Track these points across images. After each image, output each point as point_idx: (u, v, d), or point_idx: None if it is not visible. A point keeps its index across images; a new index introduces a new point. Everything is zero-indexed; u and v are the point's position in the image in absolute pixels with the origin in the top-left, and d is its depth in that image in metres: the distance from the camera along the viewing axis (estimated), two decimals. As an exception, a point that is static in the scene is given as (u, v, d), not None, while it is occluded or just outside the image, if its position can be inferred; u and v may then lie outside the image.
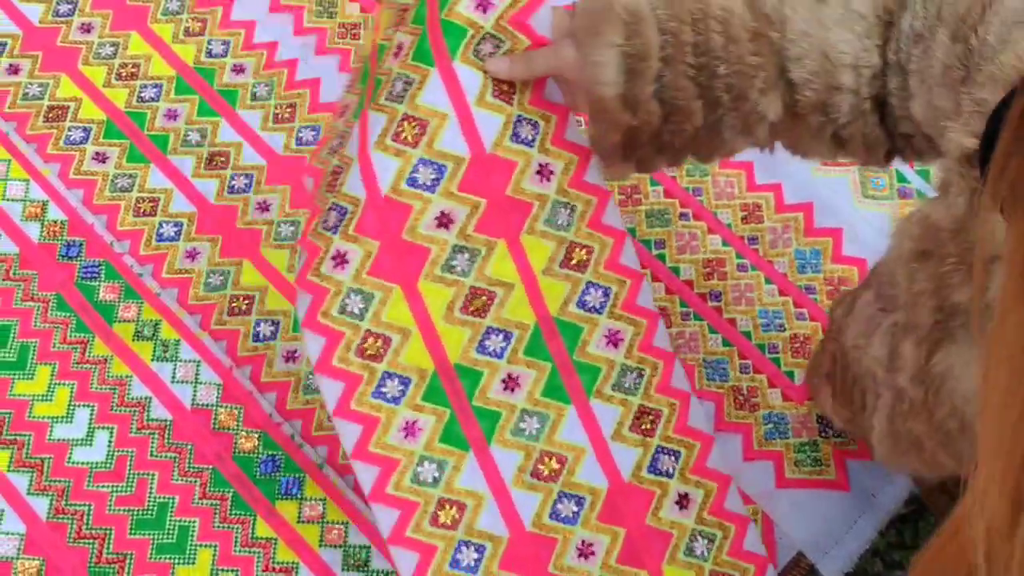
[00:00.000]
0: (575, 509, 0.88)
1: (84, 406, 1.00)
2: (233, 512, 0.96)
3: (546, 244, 0.85)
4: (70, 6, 1.22)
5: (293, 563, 0.95)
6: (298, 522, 0.96)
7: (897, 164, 0.79)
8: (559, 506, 0.87)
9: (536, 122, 0.83)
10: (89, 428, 0.99)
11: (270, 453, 0.99)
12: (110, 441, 0.99)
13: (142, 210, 1.10)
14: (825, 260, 1.09)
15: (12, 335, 1.03)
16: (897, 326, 0.68)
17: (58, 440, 0.99)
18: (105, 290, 1.05)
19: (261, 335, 1.05)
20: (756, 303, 1.07)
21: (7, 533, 0.95)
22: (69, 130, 1.14)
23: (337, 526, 0.96)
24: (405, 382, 0.84)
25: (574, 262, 0.86)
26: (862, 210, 1.12)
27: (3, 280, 1.05)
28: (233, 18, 1.22)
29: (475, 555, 0.86)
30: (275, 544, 0.95)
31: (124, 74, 1.18)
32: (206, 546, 0.95)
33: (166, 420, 1.00)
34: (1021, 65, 0.53)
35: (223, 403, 1.01)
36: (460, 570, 0.86)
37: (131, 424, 1.00)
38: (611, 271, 0.87)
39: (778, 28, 0.70)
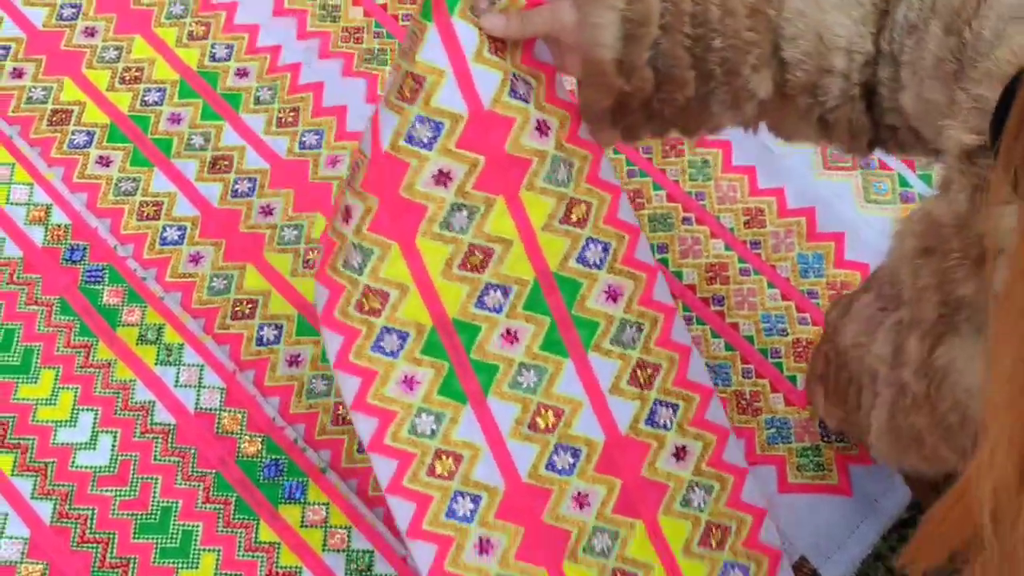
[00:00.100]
0: (571, 461, 0.88)
1: (88, 410, 1.01)
2: (236, 516, 0.97)
3: (545, 200, 0.84)
4: (74, 10, 1.22)
5: (296, 568, 0.95)
6: (301, 527, 0.97)
7: (880, 155, 0.79)
8: (555, 458, 0.88)
9: (529, 80, 0.83)
10: (93, 432, 1.00)
11: (273, 457, 0.99)
12: (113, 445, 0.99)
13: (146, 214, 1.11)
14: (828, 265, 1.09)
15: (16, 339, 1.03)
16: (902, 323, 0.68)
17: (62, 444, 0.99)
18: (109, 294, 1.06)
19: (265, 339, 1.05)
20: (759, 308, 1.08)
21: (11, 537, 0.95)
22: (73, 134, 1.14)
23: (340, 531, 0.96)
24: (403, 336, 0.85)
25: (574, 218, 0.86)
26: (865, 214, 1.12)
27: (7, 284, 1.06)
28: (236, 22, 1.22)
29: (471, 505, 0.87)
30: (278, 549, 0.96)
31: (128, 78, 1.18)
32: (209, 550, 0.95)
33: (169, 424, 1.00)
34: (1016, 60, 0.53)
35: (226, 407, 1.01)
36: (456, 519, 0.86)
37: (135, 428, 1.00)
38: (610, 226, 0.87)
39: (775, 6, 0.70)
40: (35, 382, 1.02)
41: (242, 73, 1.19)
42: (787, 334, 1.06)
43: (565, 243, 0.86)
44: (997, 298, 0.48)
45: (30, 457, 0.98)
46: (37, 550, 0.95)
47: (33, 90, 1.17)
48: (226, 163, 1.14)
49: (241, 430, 1.00)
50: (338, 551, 0.96)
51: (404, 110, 0.80)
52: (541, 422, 0.87)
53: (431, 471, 0.86)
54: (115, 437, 0.99)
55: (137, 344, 1.03)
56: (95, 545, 0.95)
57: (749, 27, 0.71)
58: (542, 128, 0.83)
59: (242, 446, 1.00)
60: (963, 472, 0.48)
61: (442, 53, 0.79)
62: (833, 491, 1.00)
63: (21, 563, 0.94)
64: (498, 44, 0.81)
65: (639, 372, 0.89)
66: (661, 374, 0.90)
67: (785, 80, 0.72)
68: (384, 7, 1.24)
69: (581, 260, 0.86)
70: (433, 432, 0.86)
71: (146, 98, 1.17)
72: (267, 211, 1.11)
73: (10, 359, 1.02)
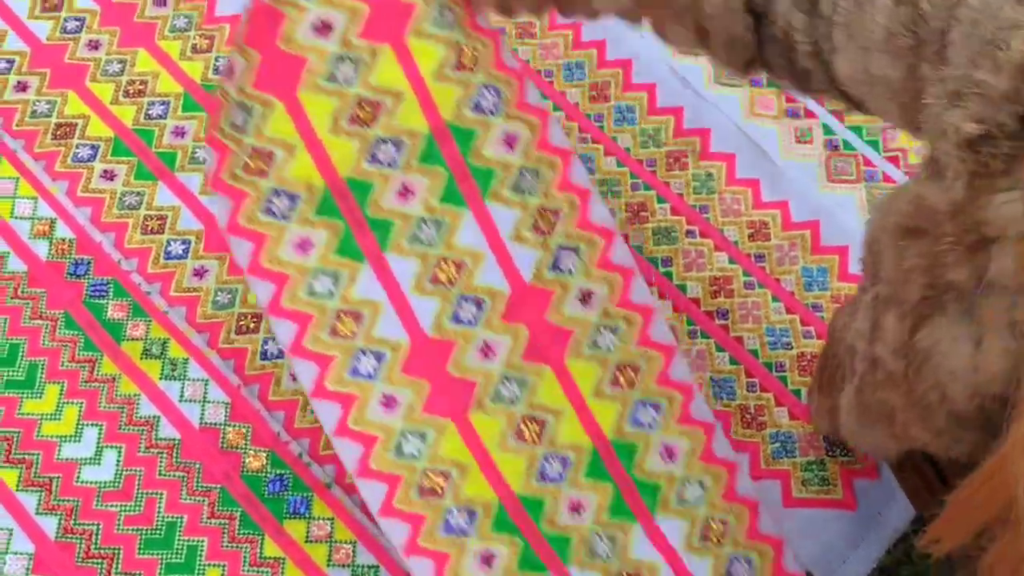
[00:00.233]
0: (475, 312, 0.88)
1: (92, 425, 1.01)
2: (242, 531, 0.97)
3: (434, 47, 0.83)
4: (78, 23, 1.22)
5: (301, 583, 0.95)
6: (306, 541, 0.97)
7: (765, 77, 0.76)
8: (459, 310, 0.87)
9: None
10: (97, 447, 1.00)
11: (278, 472, 0.99)
12: (118, 460, 0.99)
13: (150, 228, 1.11)
14: (832, 278, 1.09)
15: (21, 354, 1.03)
16: (879, 299, 0.68)
17: (66, 459, 0.99)
18: (113, 308, 1.06)
19: (269, 353, 1.05)
20: (763, 321, 1.08)
21: (16, 553, 0.95)
22: (77, 147, 1.15)
23: (345, 546, 0.97)
24: (293, 198, 0.84)
25: (466, 64, 0.84)
26: (869, 227, 1.12)
27: (11, 298, 1.06)
28: (240, 35, 1.22)
29: (374, 362, 0.86)
30: (283, 564, 0.96)
31: (132, 91, 1.18)
32: (215, 565, 0.95)
33: (174, 439, 1.00)
34: None
35: (231, 422, 1.01)
36: (360, 377, 0.86)
37: (139, 443, 1.00)
38: (501, 71, 0.86)
39: None
40: (40, 397, 1.02)
41: (246, 86, 1.19)
42: (791, 348, 1.06)
43: (458, 91, 0.84)
44: (994, 289, 0.47)
45: (35, 472, 0.98)
46: (42, 566, 0.95)
47: (37, 104, 1.17)
48: (230, 176, 1.14)
49: (246, 445, 1.00)
50: (343, 566, 0.96)
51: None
52: (442, 275, 0.87)
53: (333, 332, 0.86)
54: (120, 452, 1.00)
55: (142, 358, 1.03)
56: (100, 561, 0.95)
57: None
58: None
59: (247, 461, 1.00)
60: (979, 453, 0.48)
61: None
62: (838, 505, 1.00)
63: (26, 579, 0.94)
64: None
65: (540, 219, 0.88)
66: (562, 217, 0.88)
67: None
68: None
69: (476, 108, 0.85)
70: (331, 293, 0.85)
71: (150, 111, 1.17)
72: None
73: (15, 374, 1.02)
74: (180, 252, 1.10)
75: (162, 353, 1.04)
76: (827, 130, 1.16)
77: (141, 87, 1.19)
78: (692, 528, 0.91)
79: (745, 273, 1.10)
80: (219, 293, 1.08)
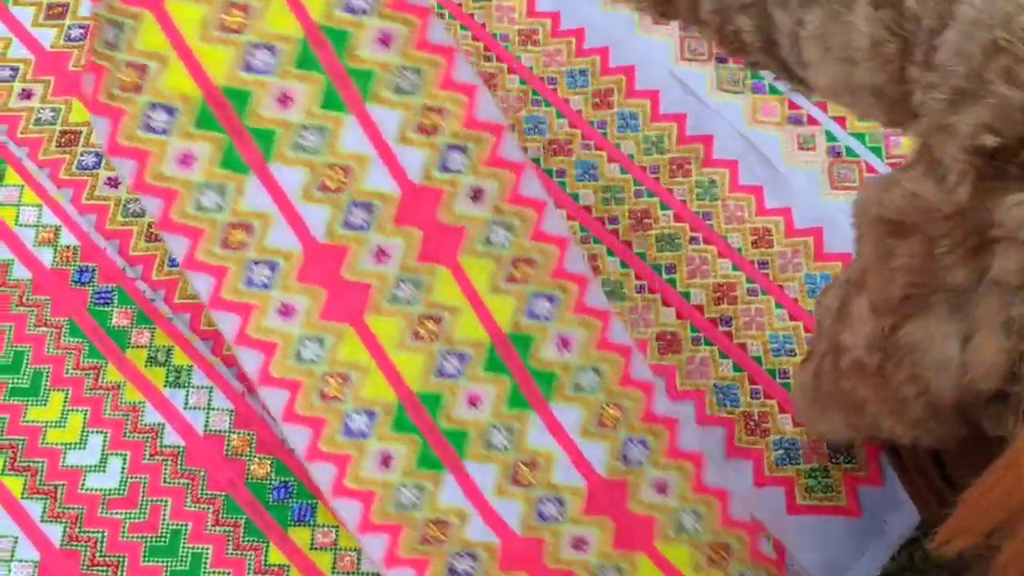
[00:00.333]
0: (366, 217, 0.89)
1: (97, 432, 1.01)
2: (246, 539, 0.97)
3: None
4: (82, 30, 1.22)
5: (306, 591, 0.95)
6: (311, 549, 0.97)
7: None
8: (349, 217, 0.89)
9: None
10: (102, 454, 1.00)
11: (283, 479, 0.99)
12: (123, 467, 0.99)
13: (154, 235, 1.10)
14: (835, 285, 1.09)
15: (26, 361, 1.03)
16: (850, 282, 0.67)
17: (72, 466, 0.99)
18: (118, 316, 1.06)
19: (273, 361, 1.05)
20: (767, 328, 1.08)
21: (21, 560, 0.95)
22: (81, 155, 1.15)
23: (350, 553, 0.97)
24: (171, 111, 0.85)
25: None
26: (872, 234, 1.12)
27: (16, 306, 1.06)
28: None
29: (268, 272, 0.89)
30: (288, 571, 0.96)
31: (136, 98, 1.18)
32: (219, 573, 0.96)
33: (179, 446, 1.00)
34: None
35: (236, 429, 1.01)
36: (255, 287, 0.89)
37: (144, 450, 1.00)
38: None
39: None
40: (44, 404, 1.02)
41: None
42: (795, 355, 1.06)
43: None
44: (997, 289, 0.47)
45: (40, 480, 0.99)
46: (47, 573, 0.95)
47: (42, 111, 1.17)
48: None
49: (250, 452, 1.00)
50: (347, 573, 0.96)
51: None
52: (330, 182, 0.88)
53: (224, 244, 0.88)
54: (125, 459, 1.00)
55: (146, 366, 1.04)
56: (105, 569, 0.95)
57: None
58: None
59: (251, 468, 1.00)
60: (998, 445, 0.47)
61: None
62: (842, 512, 1.00)
63: (31, 587, 0.94)
64: None
65: (424, 119, 0.89)
66: (448, 115, 0.89)
67: None
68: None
69: (346, 7, 0.86)
70: (220, 206, 0.87)
71: (154, 119, 1.17)
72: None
73: (20, 381, 1.03)
74: (184, 259, 1.10)
75: (166, 360, 1.04)
76: (830, 137, 1.16)
77: (145, 94, 1.19)
78: (588, 415, 0.92)
79: (748, 280, 1.10)
80: (223, 300, 1.08)
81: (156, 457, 1.00)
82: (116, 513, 0.97)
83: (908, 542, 1.02)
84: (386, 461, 0.90)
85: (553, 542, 0.90)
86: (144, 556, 0.96)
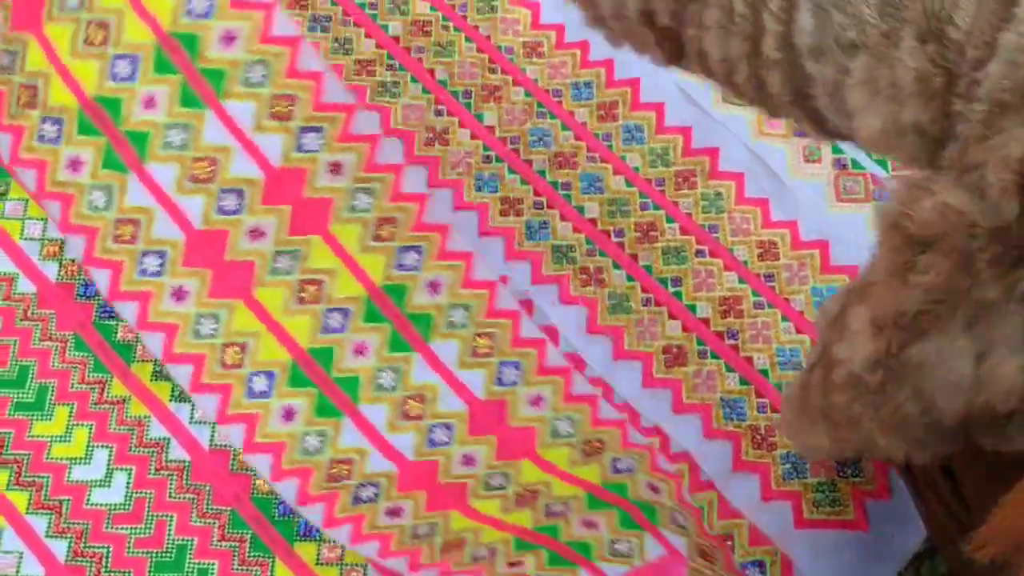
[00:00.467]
0: (237, 201, 0.97)
1: (102, 447, 1.01)
2: (252, 554, 0.96)
3: None
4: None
5: (312, 607, 0.95)
6: (317, 564, 0.96)
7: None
8: (222, 203, 0.97)
9: None
10: (107, 469, 1.00)
11: (288, 494, 0.99)
12: (128, 483, 0.99)
13: (159, 248, 1.11)
14: (842, 297, 1.09)
15: (31, 376, 1.03)
16: (852, 291, 0.66)
17: (76, 482, 0.99)
18: (123, 330, 1.06)
19: (279, 374, 1.05)
20: (773, 341, 1.07)
21: (27, 576, 0.95)
22: (86, 168, 1.15)
23: (356, 568, 0.96)
24: (58, 122, 0.97)
25: None
26: (878, 246, 1.12)
27: (21, 320, 1.06)
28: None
29: (158, 260, 0.99)
30: (294, 587, 0.95)
31: (141, 111, 1.19)
32: (225, 589, 0.95)
33: (184, 461, 1.00)
34: None
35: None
36: (148, 276, 0.99)
37: (149, 465, 1.00)
38: None
39: None
40: (50, 419, 1.02)
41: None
42: (802, 368, 1.06)
43: (171, 1, 0.94)
44: None
45: (45, 495, 0.98)
46: (52, 590, 0.95)
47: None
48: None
49: (256, 467, 1.00)
50: (354, 589, 0.96)
51: None
52: (200, 173, 0.97)
53: (116, 238, 0.98)
54: (130, 474, 0.99)
55: (151, 380, 1.03)
56: (110, 584, 0.95)
57: None
58: None
59: (257, 483, 0.99)
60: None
61: None
62: (850, 527, 1.00)
63: (37, 603, 0.94)
64: None
65: (276, 106, 0.96)
66: (298, 101, 0.96)
67: None
68: (396, 39, 1.24)
69: (188, 13, 0.94)
70: (108, 204, 0.97)
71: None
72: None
73: (25, 396, 1.02)
74: (189, 273, 1.10)
75: (171, 375, 1.04)
76: (836, 149, 1.16)
77: (150, 107, 1.19)
78: (463, 347, 1.00)
79: (754, 293, 1.10)
80: (229, 314, 1.07)
81: (162, 472, 1.00)
82: (122, 528, 0.97)
83: (915, 556, 1.02)
84: (289, 415, 0.97)
85: (445, 463, 0.97)
86: (149, 572, 0.96)
